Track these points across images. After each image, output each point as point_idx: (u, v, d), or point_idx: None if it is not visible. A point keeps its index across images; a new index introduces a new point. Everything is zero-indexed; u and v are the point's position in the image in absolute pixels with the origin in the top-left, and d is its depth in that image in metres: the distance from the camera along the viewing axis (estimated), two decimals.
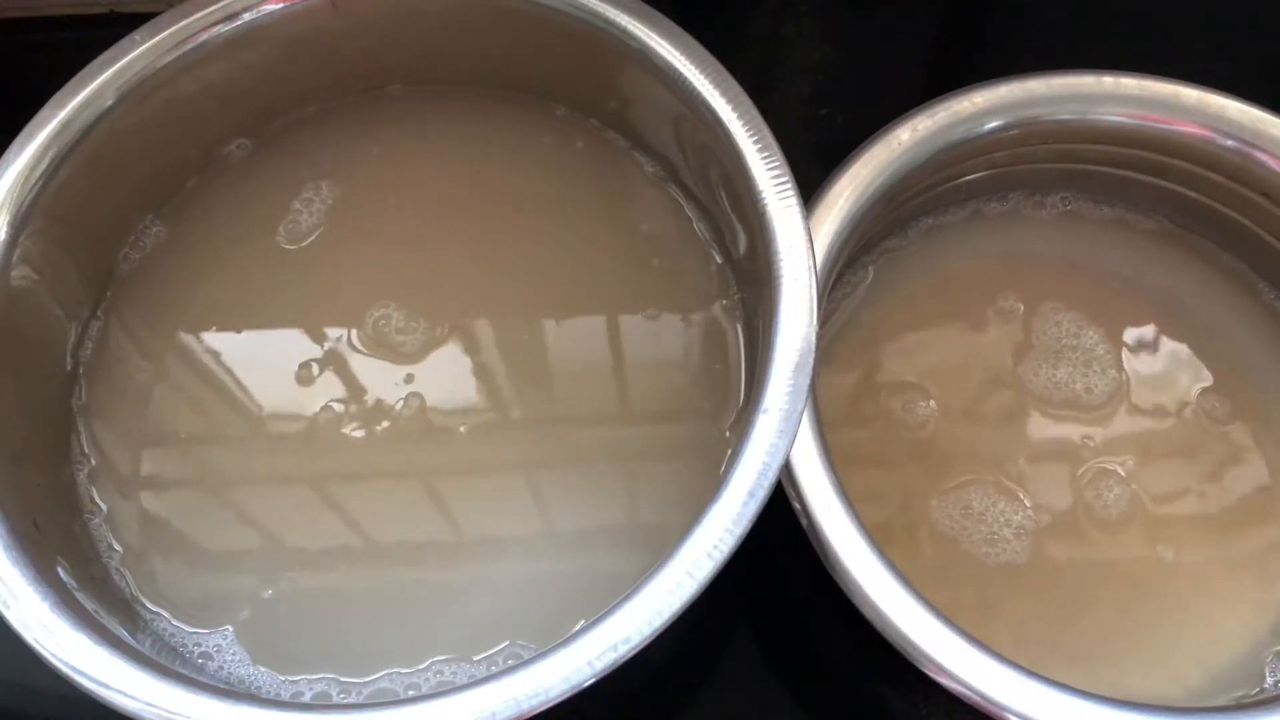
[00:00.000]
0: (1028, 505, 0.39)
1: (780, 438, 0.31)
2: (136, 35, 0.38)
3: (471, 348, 0.40)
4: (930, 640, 0.33)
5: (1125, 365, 0.42)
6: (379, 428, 0.39)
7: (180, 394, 0.40)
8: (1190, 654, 0.39)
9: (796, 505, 0.35)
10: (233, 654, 0.36)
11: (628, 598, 0.30)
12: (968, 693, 0.32)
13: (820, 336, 0.33)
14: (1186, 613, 0.39)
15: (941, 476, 0.40)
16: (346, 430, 0.39)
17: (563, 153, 0.43)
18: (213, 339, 0.41)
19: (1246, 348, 0.43)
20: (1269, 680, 0.38)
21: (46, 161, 0.37)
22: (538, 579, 0.37)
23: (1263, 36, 0.53)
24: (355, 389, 0.40)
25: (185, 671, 0.32)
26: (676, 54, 0.37)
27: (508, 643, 0.36)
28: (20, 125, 0.37)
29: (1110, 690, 0.33)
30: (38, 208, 0.37)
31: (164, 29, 0.38)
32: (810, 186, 0.38)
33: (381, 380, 0.40)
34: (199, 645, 0.36)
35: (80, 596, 0.33)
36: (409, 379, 0.40)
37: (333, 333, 0.40)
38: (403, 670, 0.36)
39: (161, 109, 0.39)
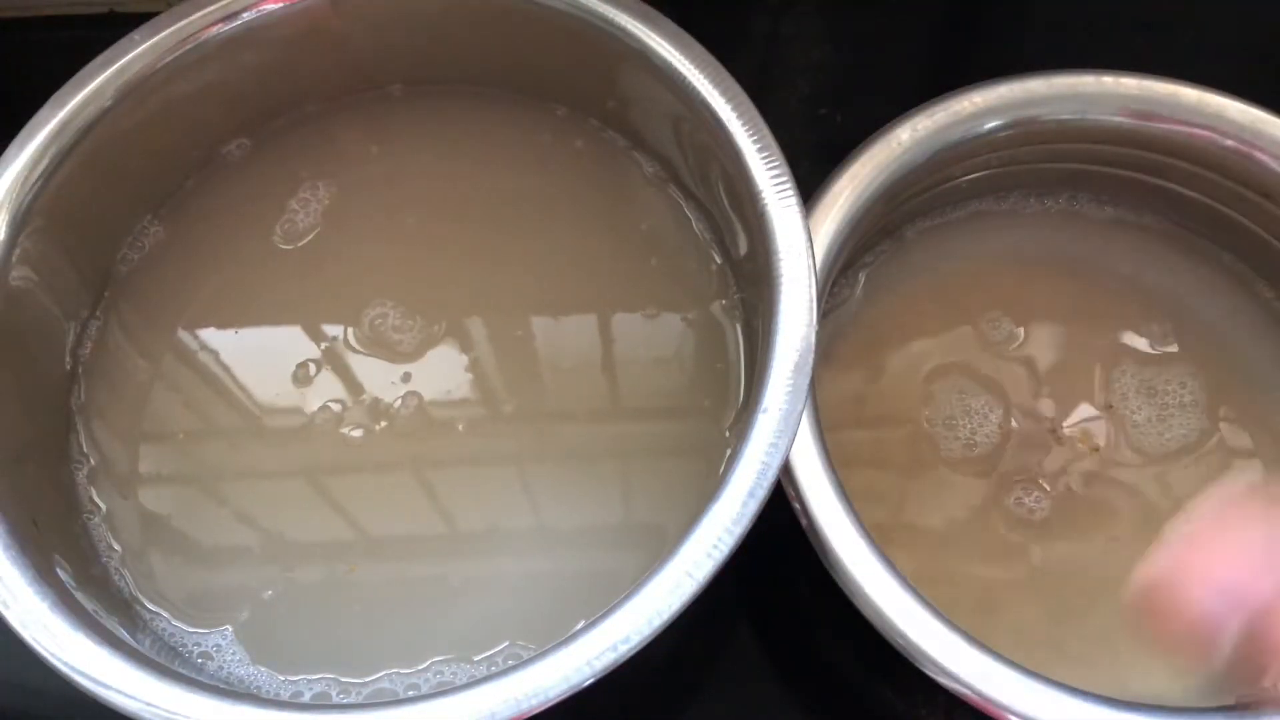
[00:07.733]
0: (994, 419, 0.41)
1: (780, 437, 0.31)
2: (136, 35, 0.38)
3: (469, 347, 0.40)
4: (930, 640, 0.33)
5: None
6: (377, 427, 0.39)
7: (179, 393, 0.40)
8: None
9: (796, 505, 0.35)
10: (232, 654, 0.36)
11: (627, 597, 0.30)
12: (968, 693, 0.32)
13: (820, 336, 0.33)
14: None
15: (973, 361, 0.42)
16: (345, 430, 0.39)
17: (562, 152, 0.43)
18: (211, 338, 0.41)
19: (1246, 348, 0.43)
20: (1268, 680, 0.38)
21: (46, 161, 0.37)
22: (537, 578, 0.37)
23: (1262, 36, 0.52)
24: (353, 388, 0.40)
25: (185, 671, 0.32)
26: (676, 53, 0.37)
27: (507, 643, 0.36)
28: (20, 125, 0.37)
29: (1110, 690, 0.33)
30: (37, 208, 0.37)
31: (163, 29, 0.38)
32: (810, 186, 0.38)
33: (379, 379, 0.40)
34: (198, 645, 0.36)
35: (79, 596, 0.33)
36: (406, 378, 0.40)
37: (330, 332, 0.40)
38: (402, 670, 0.36)
39: (160, 109, 0.39)
